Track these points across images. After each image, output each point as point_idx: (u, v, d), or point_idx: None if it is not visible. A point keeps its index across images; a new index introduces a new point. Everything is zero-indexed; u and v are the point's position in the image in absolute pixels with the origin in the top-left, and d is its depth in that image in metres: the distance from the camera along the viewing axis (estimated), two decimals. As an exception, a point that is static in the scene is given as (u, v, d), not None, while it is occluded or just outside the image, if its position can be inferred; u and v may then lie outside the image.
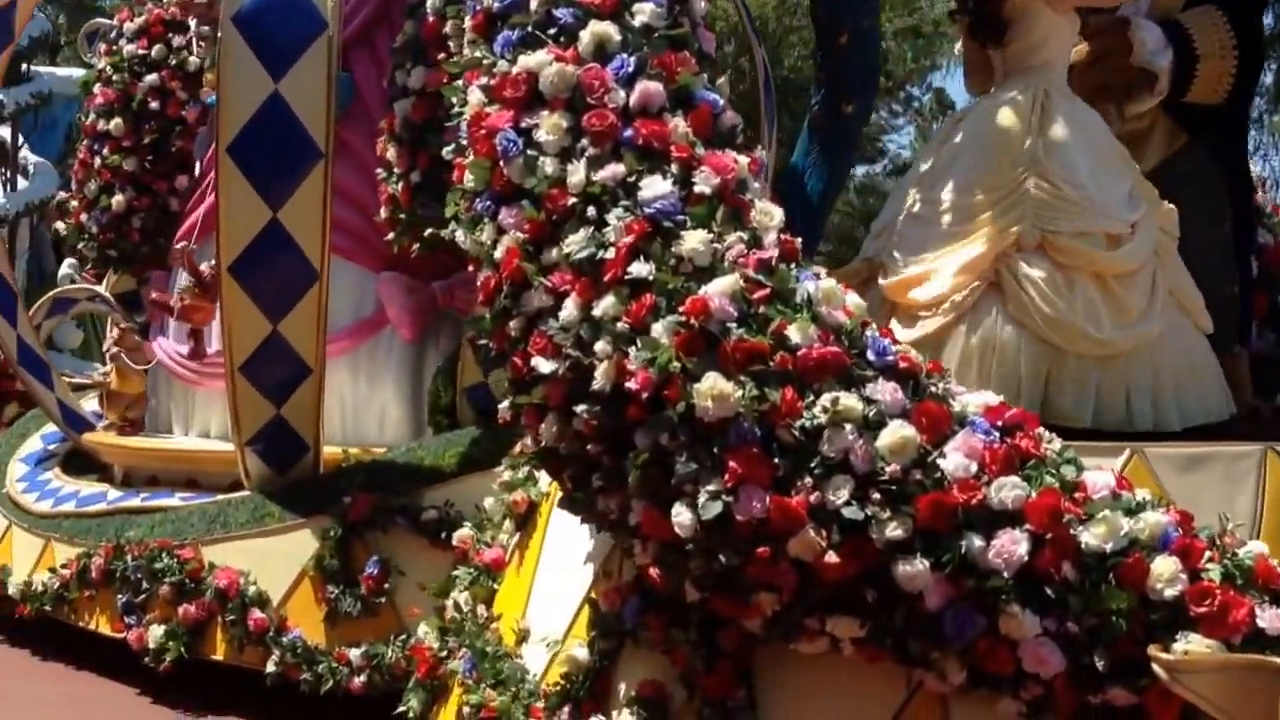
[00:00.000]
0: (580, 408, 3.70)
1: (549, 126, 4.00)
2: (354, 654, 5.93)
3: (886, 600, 3.33)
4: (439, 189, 6.48)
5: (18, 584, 7.47)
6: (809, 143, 8.03)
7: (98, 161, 9.56)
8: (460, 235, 4.36)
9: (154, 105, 9.42)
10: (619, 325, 3.64)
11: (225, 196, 6.24)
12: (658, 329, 3.59)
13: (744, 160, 3.99)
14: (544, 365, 3.81)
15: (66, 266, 12.55)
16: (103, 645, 6.95)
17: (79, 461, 8.72)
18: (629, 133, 3.93)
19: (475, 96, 4.29)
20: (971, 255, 4.46)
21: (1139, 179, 4.62)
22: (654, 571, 3.68)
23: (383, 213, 6.97)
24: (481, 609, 4.90)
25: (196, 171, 8.51)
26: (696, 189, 3.83)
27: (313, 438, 6.72)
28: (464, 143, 4.47)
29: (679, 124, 3.97)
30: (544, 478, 4.97)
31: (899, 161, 25.42)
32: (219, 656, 6.34)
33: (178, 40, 9.49)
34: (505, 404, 4.26)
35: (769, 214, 3.88)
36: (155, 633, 6.39)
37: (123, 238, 9.46)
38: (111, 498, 7.50)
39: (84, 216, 9.64)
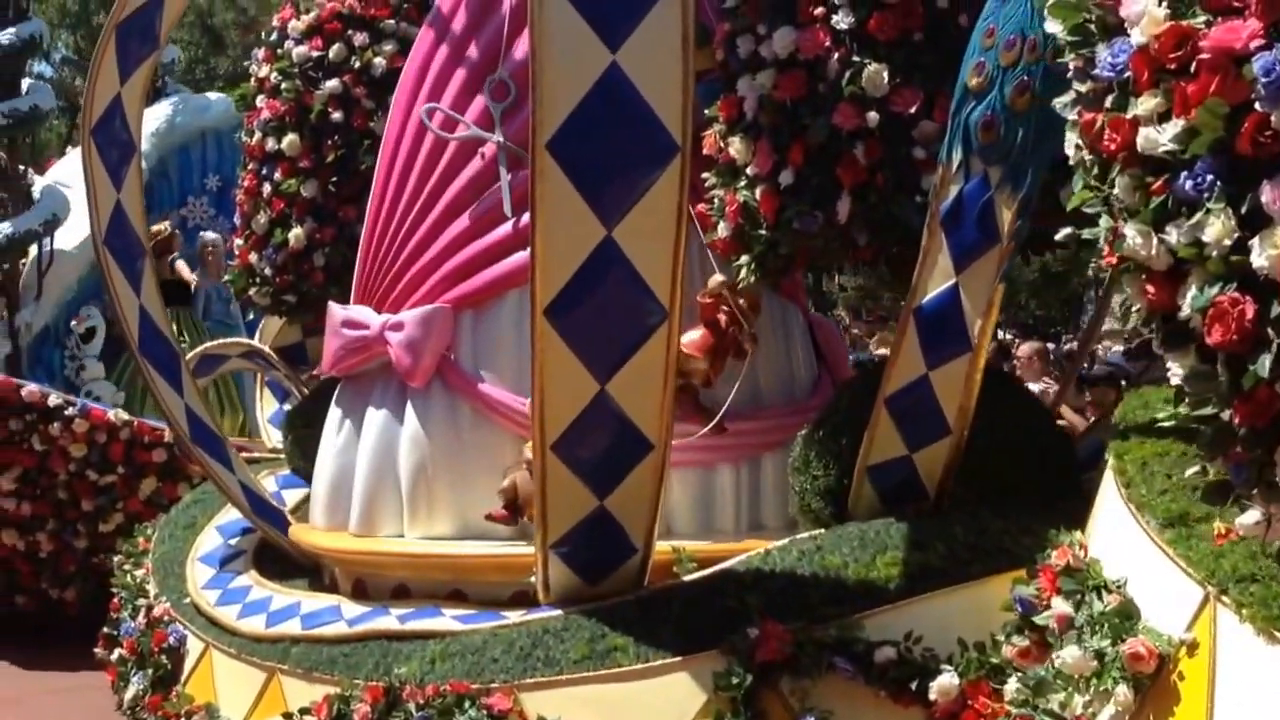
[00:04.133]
0: None
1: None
2: None
3: None
4: (824, 190, 4.93)
5: (236, 733, 5.83)
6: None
7: (267, 189, 7.96)
8: (1133, 236, 2.72)
9: (335, 117, 7.82)
10: None
11: (543, 211, 4.59)
12: None
13: None
14: None
15: None
16: (373, 823, 5.28)
17: (272, 559, 7.11)
18: None
19: (1155, 9, 2.65)
20: None
21: None
22: None
23: (721, 229, 5.35)
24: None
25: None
26: None
27: (644, 538, 5.07)
28: (1086, 90, 2.87)
29: None
30: (1168, 619, 3.30)
31: None
32: None
33: (359, 38, 7.90)
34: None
35: None
36: (465, 816, 4.73)
37: (303, 279, 7.83)
38: (351, 616, 5.84)
39: (253, 256, 8.03)
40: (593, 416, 4.82)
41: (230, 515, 7.58)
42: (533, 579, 5.37)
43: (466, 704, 4.84)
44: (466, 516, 5.97)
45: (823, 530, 5.00)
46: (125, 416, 9.62)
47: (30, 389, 9.57)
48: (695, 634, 4.56)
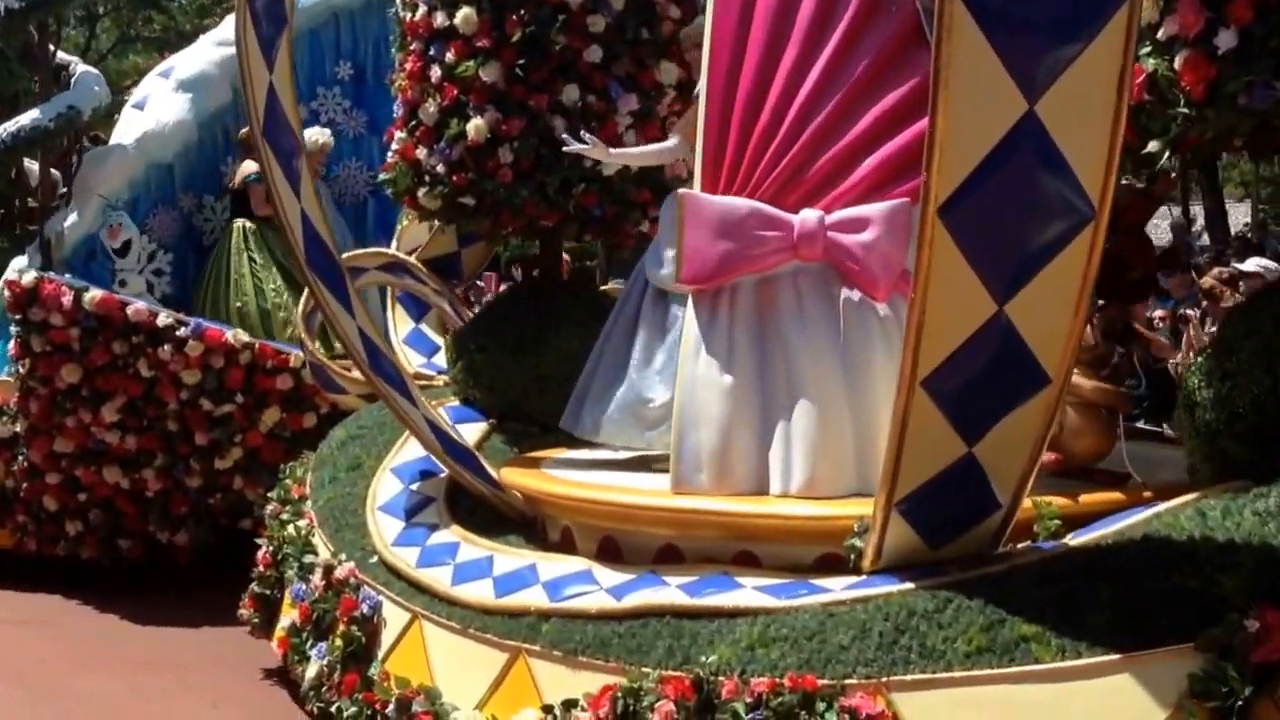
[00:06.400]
0: None
1: None
2: None
3: None
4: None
5: (473, 723, 5.01)
6: None
7: (436, 73, 7.06)
8: None
9: (522, -15, 6.93)
10: None
11: (948, 78, 3.70)
12: None
13: None
14: None
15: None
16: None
17: (466, 506, 6.29)
18: None
19: None
20: None
21: None
22: None
23: (1113, 109, 4.45)
24: None
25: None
26: None
27: (1013, 491, 4.26)
28: None
29: None
30: None
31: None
32: None
33: (548, -109, 6.96)
34: None
35: None
36: None
37: (487, 177, 6.94)
38: (610, 584, 5.00)
39: (420, 151, 7.14)
40: (981, 344, 4.00)
41: (405, 455, 6.78)
42: (855, 541, 4.56)
43: (819, 704, 4.02)
44: None
45: (1264, 486, 4.13)
46: (245, 338, 8.82)
47: (137, 306, 8.80)
48: (1143, 623, 3.70)
